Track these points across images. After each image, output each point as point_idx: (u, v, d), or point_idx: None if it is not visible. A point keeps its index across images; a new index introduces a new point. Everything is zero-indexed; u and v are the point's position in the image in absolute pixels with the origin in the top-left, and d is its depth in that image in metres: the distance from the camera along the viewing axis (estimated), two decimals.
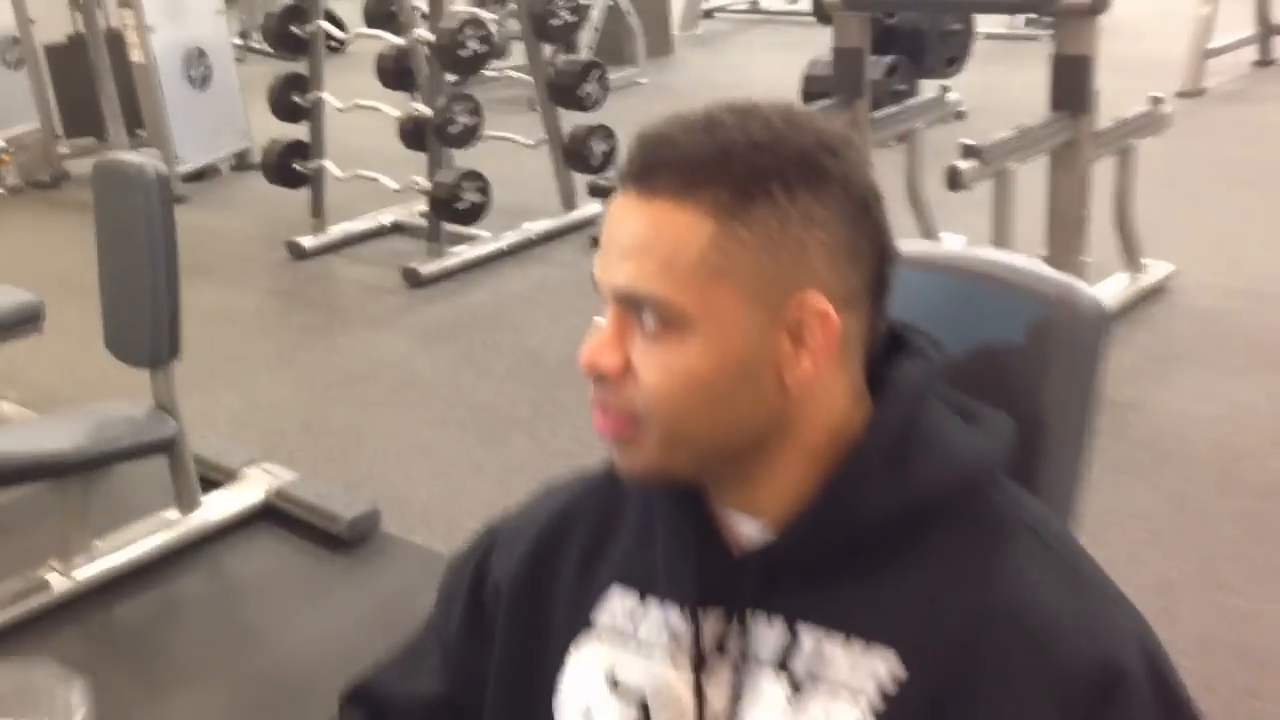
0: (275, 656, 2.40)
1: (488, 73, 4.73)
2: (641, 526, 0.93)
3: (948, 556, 0.82)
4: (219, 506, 2.80)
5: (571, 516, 0.98)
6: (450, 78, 4.57)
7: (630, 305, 0.81)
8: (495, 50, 4.36)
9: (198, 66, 5.64)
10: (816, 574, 0.84)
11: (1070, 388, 0.99)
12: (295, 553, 2.73)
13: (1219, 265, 3.90)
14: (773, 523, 0.85)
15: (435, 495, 2.93)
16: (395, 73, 4.76)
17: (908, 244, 0.98)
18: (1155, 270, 3.72)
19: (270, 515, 2.83)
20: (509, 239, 4.56)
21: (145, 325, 2.48)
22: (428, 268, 4.34)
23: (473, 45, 4.15)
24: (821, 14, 6.15)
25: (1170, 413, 3.03)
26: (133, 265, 2.45)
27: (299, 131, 4.79)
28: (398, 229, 4.92)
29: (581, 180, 4.69)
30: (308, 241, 4.72)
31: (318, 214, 4.76)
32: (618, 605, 0.92)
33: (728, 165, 0.79)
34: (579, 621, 0.93)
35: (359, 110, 4.67)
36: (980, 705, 0.78)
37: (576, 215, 4.77)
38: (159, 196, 2.41)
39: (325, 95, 4.60)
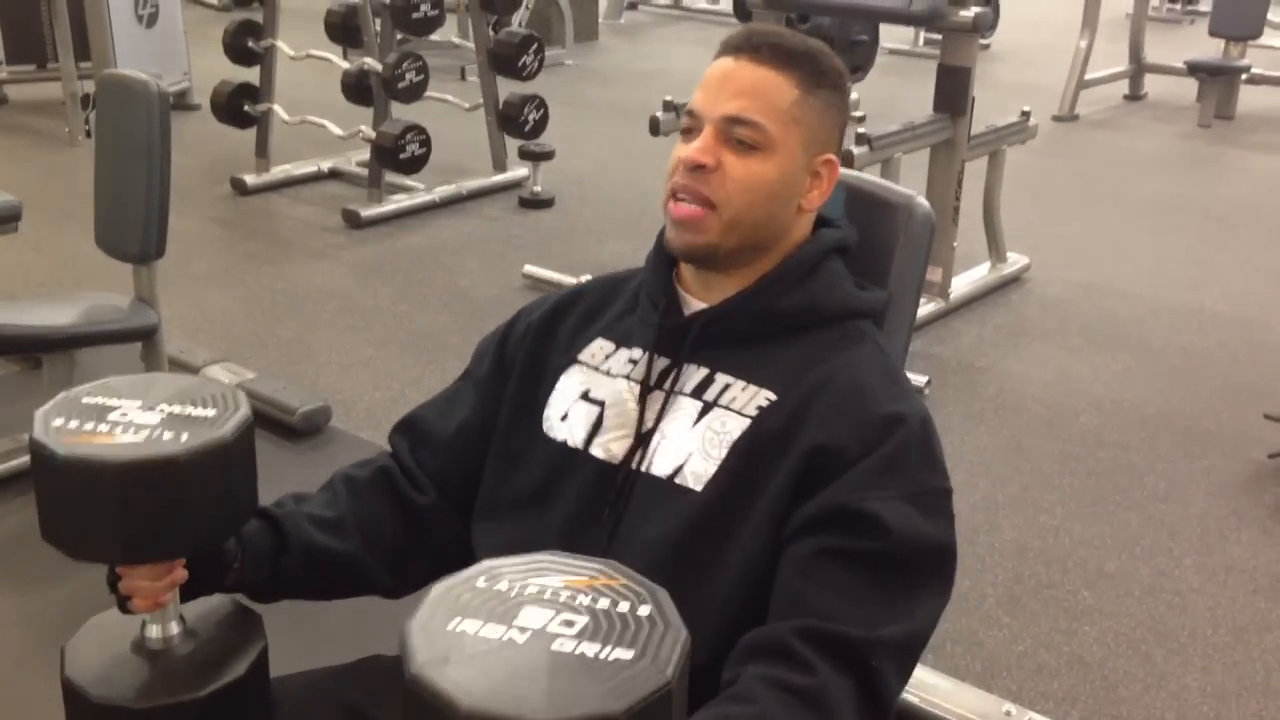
0: None
1: (435, 38, 5.08)
2: (628, 305, 1.37)
3: (822, 346, 1.27)
4: None
5: (580, 294, 1.42)
6: (399, 36, 4.91)
7: (728, 127, 1.21)
8: (443, 15, 4.72)
9: (147, 5, 5.87)
10: (735, 343, 1.28)
11: (907, 264, 1.45)
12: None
13: (1068, 262, 4.49)
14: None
15: (378, 401, 3.31)
16: (342, 29, 5.08)
17: None
18: (1015, 262, 4.28)
19: None
20: (441, 192, 4.93)
21: (138, 224, 2.79)
22: (367, 211, 4.69)
23: (425, 8, 4.52)
24: (742, 11, 6.62)
25: (1013, 376, 3.57)
26: (131, 169, 2.76)
27: (242, 75, 5.06)
28: (335, 175, 5.25)
29: (512, 145, 5.08)
30: (250, 179, 5.03)
31: (262, 154, 5.06)
32: (597, 348, 1.35)
33: (809, 58, 1.24)
34: (568, 359, 1.36)
35: (298, 63, 4.96)
36: (814, 425, 1.21)
37: (506, 176, 5.16)
38: (159, 110, 2.73)
39: (279, 43, 4.90)
